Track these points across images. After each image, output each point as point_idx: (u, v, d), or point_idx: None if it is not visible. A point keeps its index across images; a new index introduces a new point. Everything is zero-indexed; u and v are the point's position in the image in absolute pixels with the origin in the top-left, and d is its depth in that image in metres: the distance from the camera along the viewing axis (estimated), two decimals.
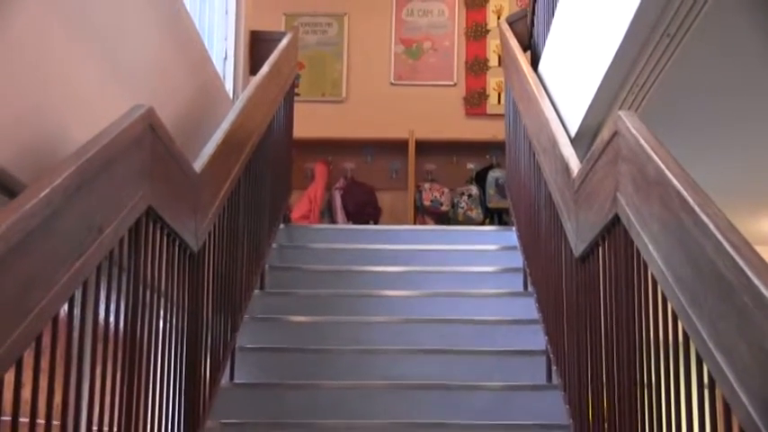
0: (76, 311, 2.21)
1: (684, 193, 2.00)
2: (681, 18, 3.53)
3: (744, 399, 1.64)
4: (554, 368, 3.87)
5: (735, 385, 1.68)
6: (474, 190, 7.78)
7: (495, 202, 7.62)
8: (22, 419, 1.96)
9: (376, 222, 7.69)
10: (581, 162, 3.20)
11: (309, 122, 7.10)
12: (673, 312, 2.13)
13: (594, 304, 2.97)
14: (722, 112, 4.46)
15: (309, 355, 4.35)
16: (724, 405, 1.79)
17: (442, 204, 7.74)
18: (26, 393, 1.97)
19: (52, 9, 3.07)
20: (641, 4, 3.46)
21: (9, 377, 1.85)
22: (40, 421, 2.05)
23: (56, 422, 2.16)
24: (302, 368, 4.26)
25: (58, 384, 2.16)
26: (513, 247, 5.26)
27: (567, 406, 3.42)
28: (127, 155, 2.50)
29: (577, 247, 3.13)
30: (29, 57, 2.87)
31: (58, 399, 2.17)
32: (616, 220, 2.60)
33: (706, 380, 1.92)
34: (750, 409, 1.61)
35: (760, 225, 6.23)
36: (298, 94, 6.48)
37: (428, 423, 3.81)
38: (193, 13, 5.08)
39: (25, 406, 1.97)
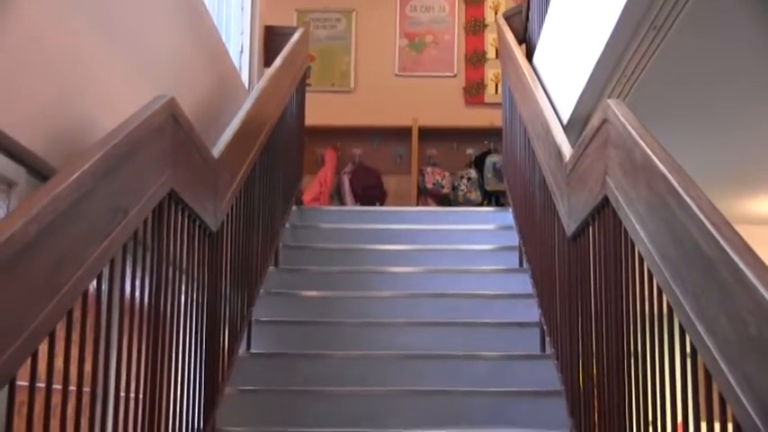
0: (104, 287, 2.22)
1: (669, 177, 2.00)
2: (666, 12, 3.52)
3: (723, 367, 1.64)
4: (547, 339, 3.88)
5: (715, 354, 1.68)
6: (473, 173, 7.78)
7: (492, 184, 7.61)
8: (55, 386, 1.97)
9: (382, 204, 7.69)
10: (572, 147, 3.20)
11: (320, 111, 7.09)
12: (658, 287, 2.13)
13: (585, 280, 2.97)
14: (705, 101, 4.45)
15: (320, 327, 4.35)
16: (705, 373, 1.79)
17: (443, 187, 7.73)
18: (59, 363, 1.98)
19: (80, 7, 3.06)
20: (628, 0, 3.46)
21: (43, 348, 1.86)
22: (72, 388, 2.06)
23: (86, 389, 2.17)
24: (313, 339, 4.27)
25: (88, 354, 2.17)
26: (510, 227, 5.27)
27: (560, 374, 3.42)
28: (150, 142, 2.50)
29: (569, 226, 3.13)
30: (59, 51, 2.87)
31: (88, 368, 2.17)
32: (605, 201, 2.60)
33: (689, 349, 1.92)
34: (729, 376, 1.61)
35: (740, 206, 6.22)
36: (309, 85, 6.48)
37: (430, 390, 3.82)
38: (212, 10, 5.07)
39: (58, 374, 1.98)
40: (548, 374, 3.70)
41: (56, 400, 1.99)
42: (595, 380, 2.86)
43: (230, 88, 5.28)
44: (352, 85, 8.30)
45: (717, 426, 1.76)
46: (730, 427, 1.67)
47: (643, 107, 3.73)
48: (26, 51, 2.64)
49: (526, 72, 4.72)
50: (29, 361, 1.79)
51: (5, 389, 1.67)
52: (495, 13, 7.97)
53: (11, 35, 2.54)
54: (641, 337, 2.35)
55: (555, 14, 5.05)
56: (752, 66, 4.04)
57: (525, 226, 4.65)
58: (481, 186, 7.71)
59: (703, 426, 1.87)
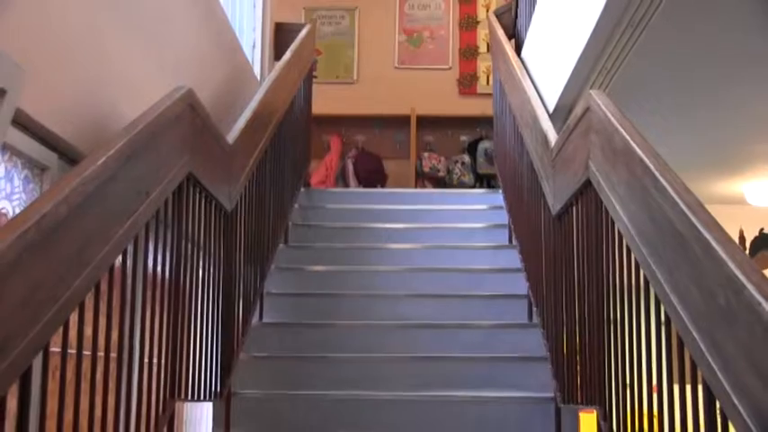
0: (129, 262, 2.22)
1: (646, 161, 2.00)
2: (642, 11, 3.53)
3: (695, 334, 1.64)
4: (534, 309, 3.88)
5: (687, 323, 1.69)
6: (466, 158, 7.77)
7: (484, 168, 7.61)
8: (85, 352, 1.98)
9: (383, 186, 7.69)
10: (558, 134, 3.19)
11: (326, 101, 7.09)
12: (636, 262, 2.14)
13: (569, 255, 2.97)
14: (678, 90, 4.44)
15: (326, 299, 4.37)
16: (678, 340, 1.79)
17: (439, 171, 7.73)
18: (88, 331, 1.99)
19: (106, 5, 3.05)
20: (608, 1, 3.46)
21: (74, 318, 1.87)
22: (100, 354, 2.07)
23: (113, 354, 2.18)
24: (320, 310, 4.28)
25: (115, 324, 2.18)
26: (500, 207, 5.27)
27: (545, 341, 3.43)
28: (170, 129, 2.50)
29: (554, 206, 3.13)
30: (87, 47, 2.86)
31: (114, 336, 2.18)
32: (588, 183, 2.60)
33: (663, 319, 1.93)
34: (700, 342, 1.62)
35: (710, 187, 6.22)
36: (315, 77, 6.46)
37: (426, 356, 3.83)
38: (226, 7, 5.06)
39: (87, 342, 1.99)
40: (534, 342, 3.71)
41: (85, 365, 1.99)
42: (578, 347, 2.87)
43: (243, 80, 5.27)
44: (355, 77, 8.29)
45: (688, 388, 1.77)
46: (700, 388, 1.68)
47: (622, 97, 3.73)
48: (58, 48, 2.64)
49: (515, 65, 4.71)
50: (61, 329, 1.80)
51: (40, 355, 1.68)
52: (487, 11, 7.95)
53: (45, 35, 2.53)
54: (620, 308, 2.36)
55: (541, 12, 5.04)
56: (718, 60, 4.04)
57: (514, 206, 4.65)
58: (474, 170, 7.71)
59: (676, 388, 1.88)
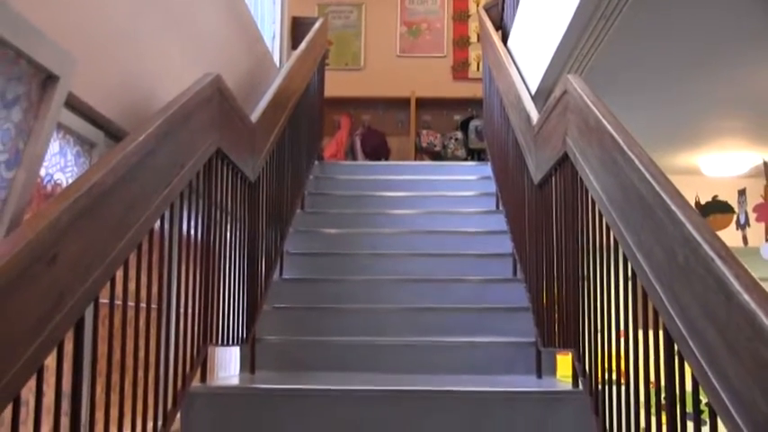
0: (166, 226, 2.23)
1: (616, 136, 2.00)
2: (612, 6, 3.52)
3: (657, 286, 1.65)
4: (518, 266, 3.90)
5: (651, 277, 1.69)
6: (459, 135, 7.74)
7: (475, 143, 7.58)
8: (130, 304, 1.99)
9: (386, 159, 7.67)
10: (539, 113, 3.18)
11: (336, 85, 7.06)
12: (606, 225, 2.14)
13: (548, 219, 2.98)
14: (645, 76, 4.43)
15: (337, 257, 4.37)
16: (642, 292, 1.80)
17: (435, 146, 7.70)
18: (131, 286, 2.00)
19: (146, 0, 3.04)
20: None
21: (119, 274, 1.88)
22: (143, 305, 2.09)
23: (153, 306, 2.20)
24: (332, 267, 4.29)
25: (155, 279, 2.19)
26: (489, 177, 5.26)
27: (528, 293, 3.44)
28: (201, 110, 2.50)
29: (536, 176, 3.13)
30: (129, 39, 2.85)
31: (155, 289, 2.19)
32: (565, 156, 2.60)
33: (630, 273, 1.94)
34: (661, 293, 1.62)
35: (671, 159, 6.22)
36: (327, 64, 6.43)
37: (424, 307, 3.84)
38: (250, 3, 5.03)
39: (131, 295, 2.01)
40: (518, 294, 3.72)
41: (130, 315, 2.01)
42: (556, 298, 2.88)
43: (264, 67, 5.25)
44: (362, 65, 8.24)
45: (651, 332, 1.78)
46: (661, 333, 1.69)
47: (596, 80, 3.71)
48: (104, 40, 2.63)
49: (502, 53, 4.69)
50: (109, 284, 1.81)
51: (92, 306, 1.69)
52: (477, 6, 7.88)
53: (94, 28, 2.52)
54: (592, 264, 2.37)
55: (525, 7, 5.02)
56: (679, 50, 4.03)
57: (501, 176, 4.65)
58: (466, 145, 7.68)
59: (640, 332, 1.89)
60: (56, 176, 2.45)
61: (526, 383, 3.09)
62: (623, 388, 2.04)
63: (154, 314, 2.22)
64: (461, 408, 2.78)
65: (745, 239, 6.11)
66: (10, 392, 1.33)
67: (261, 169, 3.45)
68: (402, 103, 7.91)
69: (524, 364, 3.40)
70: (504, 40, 5.67)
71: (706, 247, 1.38)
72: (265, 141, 3.54)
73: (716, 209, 6.56)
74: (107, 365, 1.89)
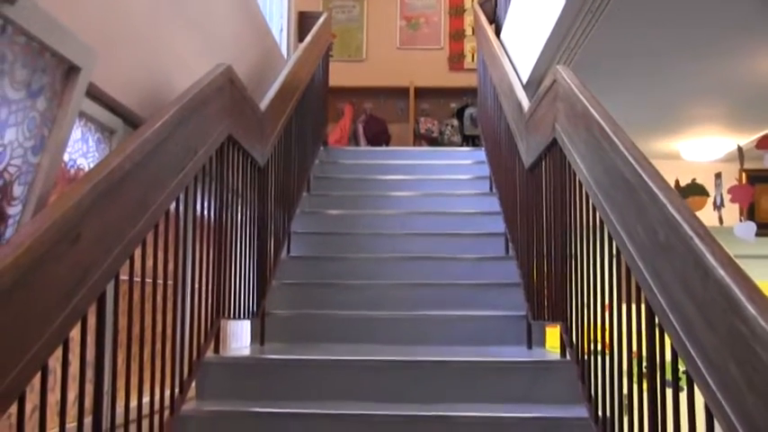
0: (181, 207, 2.23)
1: (602, 123, 1.99)
2: (599, 2, 3.50)
3: (640, 264, 1.66)
4: (510, 245, 3.90)
5: (634, 255, 1.70)
6: (455, 122, 7.72)
7: (470, 130, 7.55)
8: (147, 280, 2.00)
9: (387, 145, 7.66)
10: (530, 102, 3.18)
11: (340, 75, 7.05)
12: (592, 206, 2.14)
13: (538, 200, 2.98)
14: (631, 66, 4.42)
15: (341, 237, 4.37)
16: (626, 268, 1.81)
17: (433, 132, 7.69)
18: (149, 263, 2.00)
19: None
20: None
21: (138, 252, 1.88)
22: (160, 281, 2.09)
23: (170, 282, 2.21)
24: (336, 245, 4.29)
25: (171, 257, 2.20)
26: (482, 162, 5.25)
27: (519, 270, 3.45)
28: (213, 99, 2.50)
29: (527, 161, 3.13)
30: (146, 32, 2.84)
31: (171, 267, 2.20)
32: (554, 142, 2.60)
33: (614, 251, 1.94)
34: (643, 270, 1.63)
35: (653, 144, 6.21)
36: (331, 56, 6.40)
37: (422, 283, 3.85)
38: None
39: (149, 271, 2.01)
40: (510, 271, 3.73)
41: (148, 290, 2.02)
42: (545, 274, 2.89)
43: (272, 58, 5.23)
44: (364, 56, 8.21)
45: (633, 306, 1.79)
46: (643, 307, 1.70)
47: (583, 70, 3.72)
48: (123, 33, 2.62)
49: (495, 45, 4.67)
50: (128, 261, 1.82)
51: (113, 282, 1.70)
52: (472, 1, 7.85)
53: (114, 22, 2.52)
54: (579, 243, 2.37)
55: (517, 2, 4.99)
56: (659, 44, 4.02)
57: (494, 161, 4.64)
58: (461, 131, 7.66)
59: (624, 306, 1.90)
60: (78, 161, 2.45)
61: (517, 354, 3.10)
62: (607, 357, 2.05)
63: (170, 290, 2.22)
64: (457, 376, 2.79)
65: (720, 219, 6.12)
66: (38, 361, 1.34)
67: (269, 154, 3.45)
68: (402, 92, 7.88)
69: (516, 335, 3.41)
70: (498, 33, 5.65)
71: (685, 226, 1.39)
72: (273, 128, 3.53)
73: (694, 191, 6.57)
74: (127, 337, 1.90)
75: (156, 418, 2.07)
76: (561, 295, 2.62)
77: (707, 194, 6.51)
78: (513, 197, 3.59)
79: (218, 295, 2.68)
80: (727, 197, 5.96)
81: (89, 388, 1.67)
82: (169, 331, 2.18)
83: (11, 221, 1.89)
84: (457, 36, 8.24)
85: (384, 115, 7.91)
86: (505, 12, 5.48)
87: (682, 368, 1.43)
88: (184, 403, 2.37)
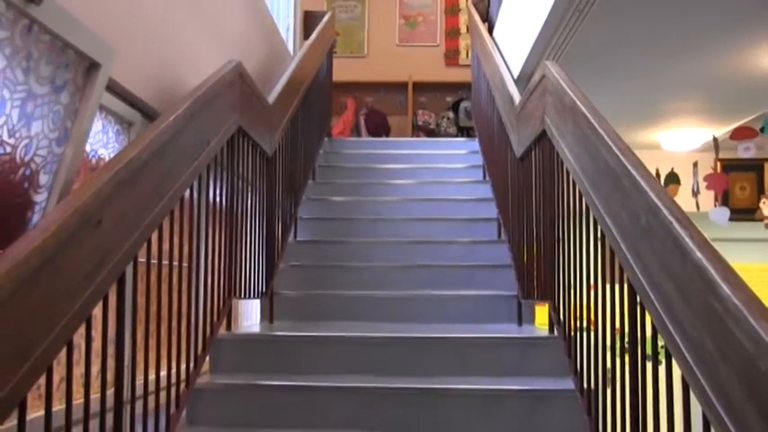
0: (195, 195, 2.24)
1: (588, 115, 1.99)
2: (585, 2, 3.49)
3: (623, 247, 1.66)
4: (502, 229, 3.90)
5: (618, 238, 1.70)
6: (451, 114, 7.70)
7: (464, 122, 7.54)
8: (164, 262, 2.00)
9: (387, 136, 7.65)
10: (521, 95, 3.17)
11: (343, 71, 7.03)
12: (579, 193, 2.14)
13: (528, 188, 2.98)
14: (615, 61, 4.40)
15: (344, 222, 4.38)
16: (610, 251, 1.81)
17: (430, 124, 7.67)
18: (165, 246, 2.01)
19: None
20: None
21: (155, 236, 1.89)
22: (175, 263, 2.10)
23: (185, 264, 2.21)
24: (339, 230, 4.30)
25: (186, 240, 2.20)
26: (476, 152, 5.25)
27: (511, 253, 3.45)
28: (224, 93, 2.49)
29: (518, 151, 3.13)
30: (162, 30, 2.83)
31: (185, 250, 2.20)
32: (543, 133, 2.59)
33: (600, 235, 1.94)
34: (627, 253, 1.63)
35: (635, 135, 6.20)
36: (335, 52, 6.38)
37: (420, 265, 3.86)
38: None
39: (165, 254, 2.01)
40: (502, 253, 3.74)
41: (164, 272, 2.02)
42: (535, 257, 2.89)
43: (279, 54, 5.22)
44: (365, 52, 8.18)
45: (617, 286, 1.79)
46: (626, 287, 1.70)
47: (570, 66, 3.70)
48: (140, 31, 2.61)
49: (488, 42, 4.66)
50: (145, 245, 1.82)
51: (131, 264, 1.70)
52: (466, 1, 7.82)
53: (132, 20, 2.51)
54: (567, 227, 2.37)
55: (508, 2, 4.97)
56: (640, 40, 4.00)
57: (487, 151, 4.64)
58: (457, 123, 7.65)
59: (608, 286, 1.90)
60: (99, 152, 2.45)
61: (508, 330, 3.11)
62: (592, 334, 2.05)
63: (185, 271, 2.23)
64: (453, 351, 2.80)
65: (697, 205, 6.13)
66: (64, 337, 1.35)
67: (277, 145, 3.45)
68: (401, 86, 7.87)
69: (507, 313, 3.42)
70: (491, 30, 5.63)
71: (665, 211, 1.39)
72: (281, 120, 3.53)
73: (673, 180, 6.58)
74: (146, 316, 1.90)
75: (173, 390, 2.08)
76: (550, 276, 2.62)
77: (679, 183, 6.55)
78: (505, 185, 3.59)
79: (229, 276, 2.69)
80: (703, 184, 5.97)
81: (111, 362, 1.68)
82: (184, 310, 2.19)
83: (37, 208, 1.89)
84: (452, 34, 8.21)
85: (384, 108, 7.90)
86: (498, 11, 5.46)
87: (661, 343, 1.44)
88: (199, 377, 2.38)
